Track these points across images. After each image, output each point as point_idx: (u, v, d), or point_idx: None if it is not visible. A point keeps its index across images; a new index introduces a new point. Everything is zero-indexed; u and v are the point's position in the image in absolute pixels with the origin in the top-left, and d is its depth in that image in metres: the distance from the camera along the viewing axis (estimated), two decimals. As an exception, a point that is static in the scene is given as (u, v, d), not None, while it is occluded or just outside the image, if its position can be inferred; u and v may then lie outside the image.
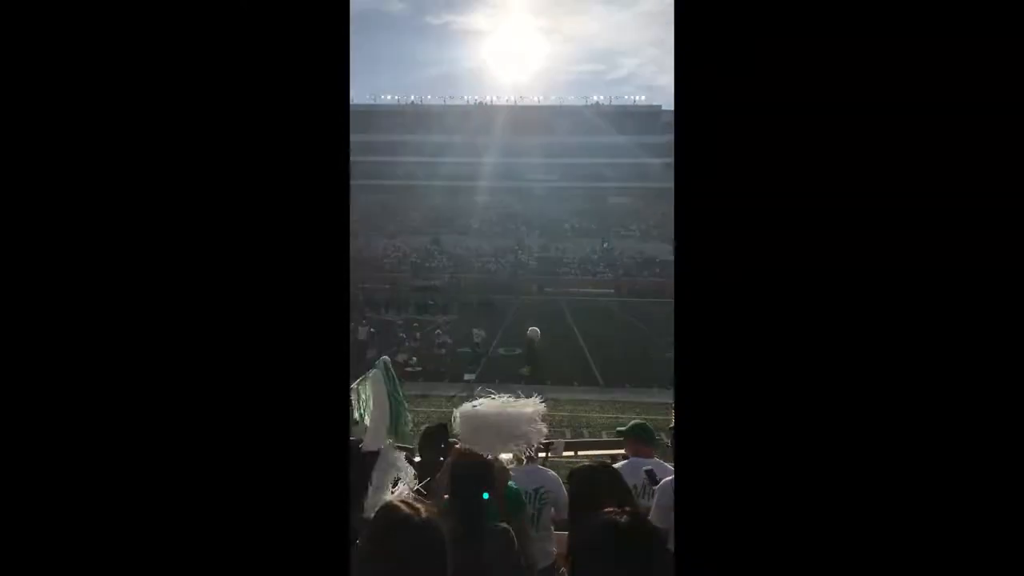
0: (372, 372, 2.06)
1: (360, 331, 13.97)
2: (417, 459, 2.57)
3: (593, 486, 1.65)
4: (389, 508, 1.20)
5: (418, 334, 14.61)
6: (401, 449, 2.09)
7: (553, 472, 2.47)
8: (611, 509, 1.08)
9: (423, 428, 2.67)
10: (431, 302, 22.93)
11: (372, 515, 1.52)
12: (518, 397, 2.20)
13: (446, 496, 1.75)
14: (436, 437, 2.51)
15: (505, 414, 2.09)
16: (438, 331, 14.43)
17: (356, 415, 2.04)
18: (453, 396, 9.95)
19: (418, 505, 1.17)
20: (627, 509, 1.10)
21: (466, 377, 11.71)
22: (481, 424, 2.06)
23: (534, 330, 13.02)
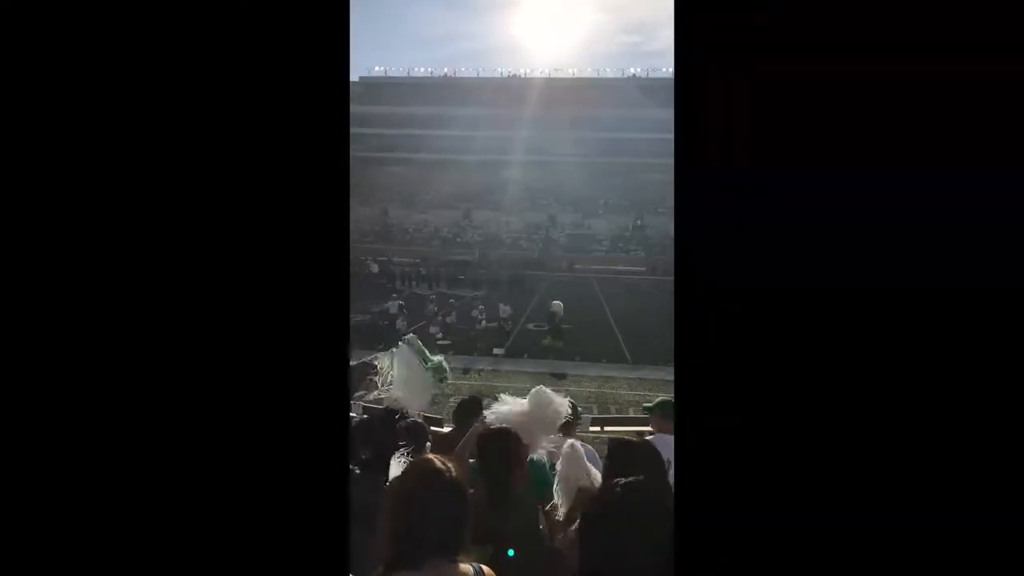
0: (397, 349, 2.09)
1: (391, 305, 14.19)
2: (447, 429, 2.62)
3: (628, 459, 1.65)
4: (424, 460, 1.23)
5: (453, 312, 14.62)
6: (427, 418, 2.13)
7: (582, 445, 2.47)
8: (629, 480, 1.08)
9: (458, 400, 2.72)
10: (461, 277, 23.10)
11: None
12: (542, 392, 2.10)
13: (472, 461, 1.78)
14: (470, 408, 2.55)
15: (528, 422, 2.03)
16: (481, 307, 14.31)
17: (381, 384, 2.08)
18: (482, 370, 10.09)
19: (449, 464, 1.19)
20: (641, 479, 1.10)
21: (495, 351, 11.83)
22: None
23: (557, 303, 13.01)
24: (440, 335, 12.71)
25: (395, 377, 2.06)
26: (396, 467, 1.64)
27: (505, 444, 1.69)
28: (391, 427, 1.93)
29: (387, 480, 1.66)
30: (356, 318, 14.90)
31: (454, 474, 1.16)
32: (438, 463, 1.18)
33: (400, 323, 13.04)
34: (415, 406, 2.12)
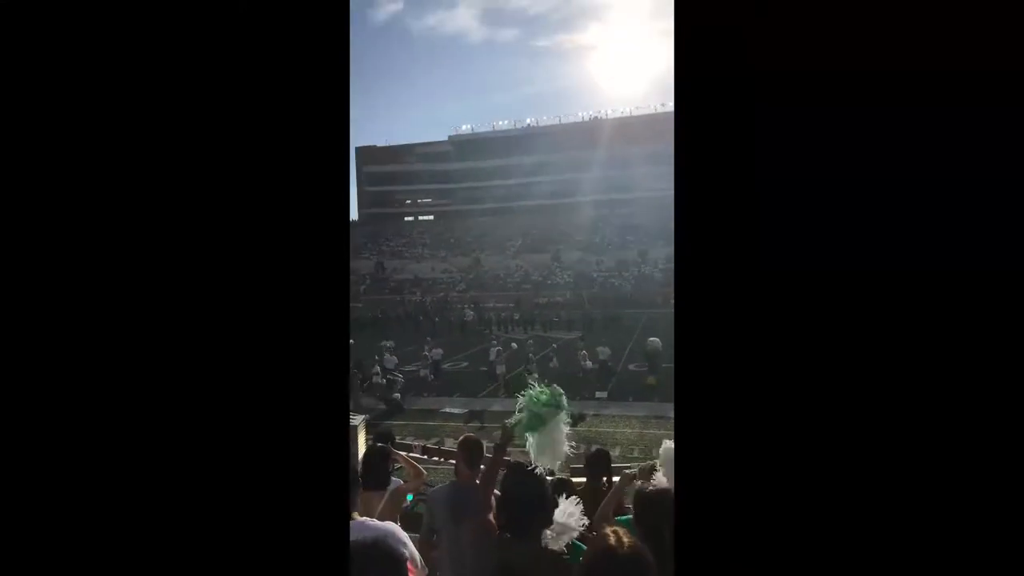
0: (551, 410, 2.03)
1: (491, 351, 14.31)
2: (577, 480, 2.52)
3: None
4: (618, 543, 1.07)
5: (554, 357, 14.39)
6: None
7: None
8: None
9: (590, 450, 2.62)
10: (556, 319, 23.02)
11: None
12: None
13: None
14: (602, 461, 2.44)
15: None
16: (583, 352, 13.97)
17: (528, 441, 2.03)
18: (586, 415, 9.81)
19: (636, 546, 1.06)
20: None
21: (598, 395, 11.51)
22: None
23: (655, 340, 12.47)
24: (539, 379, 12.49)
25: (536, 445, 2.00)
26: (556, 538, 1.57)
27: (667, 505, 1.58)
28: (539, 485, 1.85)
29: (533, 546, 1.59)
30: (458, 366, 15.22)
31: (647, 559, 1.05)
32: (634, 550, 1.04)
33: (499, 369, 13.11)
34: (554, 465, 2.04)
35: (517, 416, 2.07)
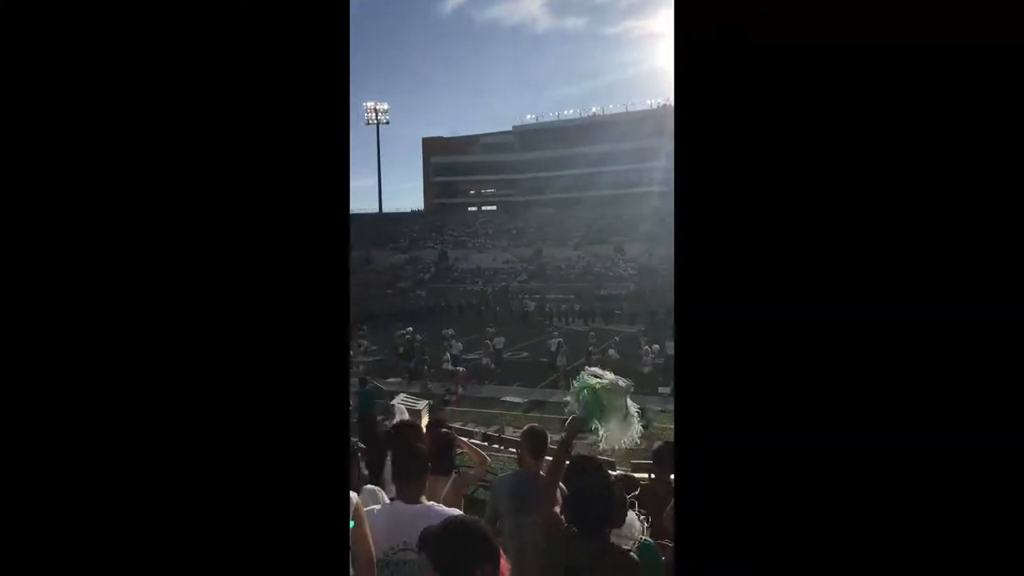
0: (607, 387, 1.96)
1: (551, 343, 14.30)
2: (639, 476, 2.46)
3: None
4: None
5: (612, 349, 14.19)
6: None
7: None
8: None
9: (655, 446, 2.56)
10: (618, 311, 22.65)
11: None
12: None
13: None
14: (668, 457, 2.38)
15: None
16: (656, 346, 13.63)
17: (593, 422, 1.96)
18: (662, 410, 9.60)
19: None
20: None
21: (660, 390, 11.24)
22: None
23: None
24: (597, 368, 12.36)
25: (602, 423, 1.93)
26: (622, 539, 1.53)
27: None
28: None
29: (601, 543, 1.55)
30: (518, 356, 15.31)
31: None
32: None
33: (560, 360, 13.08)
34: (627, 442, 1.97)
35: (574, 402, 2.00)
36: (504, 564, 1.04)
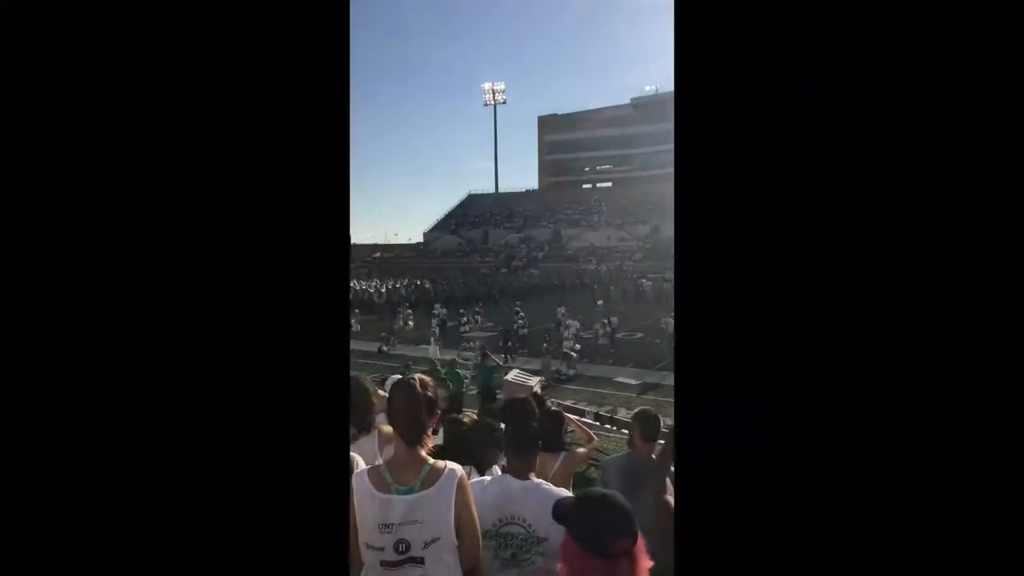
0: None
1: (664, 323, 13.84)
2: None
3: None
4: None
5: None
6: None
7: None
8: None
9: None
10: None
11: None
12: None
13: None
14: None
15: None
16: None
17: None
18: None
19: None
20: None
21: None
22: None
23: None
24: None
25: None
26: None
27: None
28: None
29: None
30: (632, 337, 15.01)
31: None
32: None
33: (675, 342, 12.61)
34: None
35: None
36: (640, 540, 1.02)
